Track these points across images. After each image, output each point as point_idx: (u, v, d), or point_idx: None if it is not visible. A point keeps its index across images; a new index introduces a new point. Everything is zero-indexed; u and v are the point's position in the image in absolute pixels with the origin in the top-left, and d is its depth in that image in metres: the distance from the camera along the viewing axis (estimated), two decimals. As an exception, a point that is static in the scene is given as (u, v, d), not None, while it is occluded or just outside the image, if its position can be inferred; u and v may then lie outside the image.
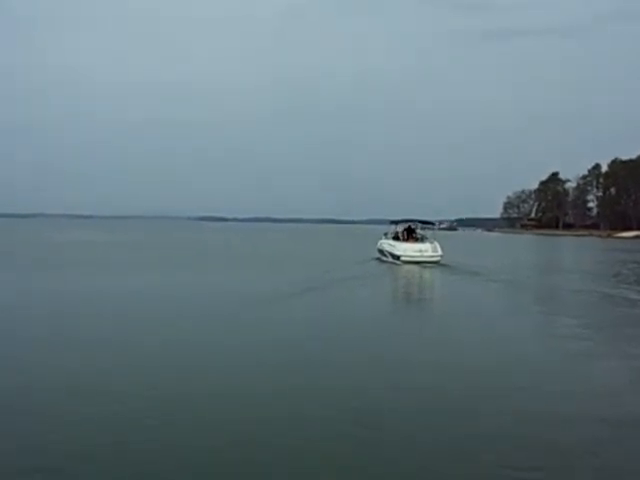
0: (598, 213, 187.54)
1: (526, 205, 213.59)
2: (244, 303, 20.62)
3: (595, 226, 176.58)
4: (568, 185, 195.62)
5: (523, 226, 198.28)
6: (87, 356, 12.71)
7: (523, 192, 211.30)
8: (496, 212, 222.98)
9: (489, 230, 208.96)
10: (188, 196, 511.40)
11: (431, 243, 40.84)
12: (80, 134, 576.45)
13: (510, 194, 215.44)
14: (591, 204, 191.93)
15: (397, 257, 40.27)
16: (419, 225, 46.06)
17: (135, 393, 10.20)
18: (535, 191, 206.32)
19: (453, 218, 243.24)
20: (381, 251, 44.21)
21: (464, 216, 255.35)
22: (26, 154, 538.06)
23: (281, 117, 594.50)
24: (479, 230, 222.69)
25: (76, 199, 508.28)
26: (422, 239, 42.56)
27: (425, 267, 37.86)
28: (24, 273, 30.83)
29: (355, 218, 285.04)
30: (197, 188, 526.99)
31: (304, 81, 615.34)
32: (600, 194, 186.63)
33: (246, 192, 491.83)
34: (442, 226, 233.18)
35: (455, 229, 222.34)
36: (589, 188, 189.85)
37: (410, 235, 43.41)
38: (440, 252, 39.83)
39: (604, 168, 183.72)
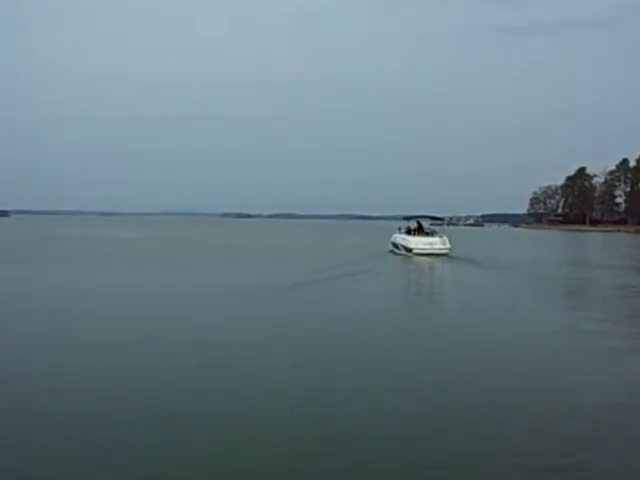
0: (626, 209, 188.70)
1: (552, 201, 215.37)
2: (274, 290, 23.68)
3: (623, 222, 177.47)
4: (595, 180, 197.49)
5: (549, 222, 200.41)
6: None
7: (549, 188, 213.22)
8: (522, 208, 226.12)
9: (515, 226, 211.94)
10: (211, 192, 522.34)
11: (440, 237, 46.25)
12: (101, 133, 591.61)
13: (536, 190, 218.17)
14: (619, 199, 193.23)
15: (409, 250, 45.69)
16: (430, 221, 51.34)
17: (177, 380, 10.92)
18: (562, 186, 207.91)
19: (479, 214, 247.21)
20: (395, 244, 49.67)
21: (490, 212, 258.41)
22: (43, 153, 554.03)
23: (303, 115, 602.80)
24: (505, 226, 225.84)
25: (96, 197, 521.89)
26: (432, 233, 47.87)
27: (435, 259, 43.11)
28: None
29: (377, 214, 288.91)
30: (220, 184, 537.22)
31: (320, 81, 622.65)
32: (628, 189, 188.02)
33: (269, 189, 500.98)
34: (468, 222, 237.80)
35: (481, 225, 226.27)
36: (617, 183, 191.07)
37: (421, 230, 48.86)
38: (448, 245, 45.19)
39: (632, 163, 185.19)
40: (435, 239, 46.16)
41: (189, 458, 7.55)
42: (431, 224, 50.62)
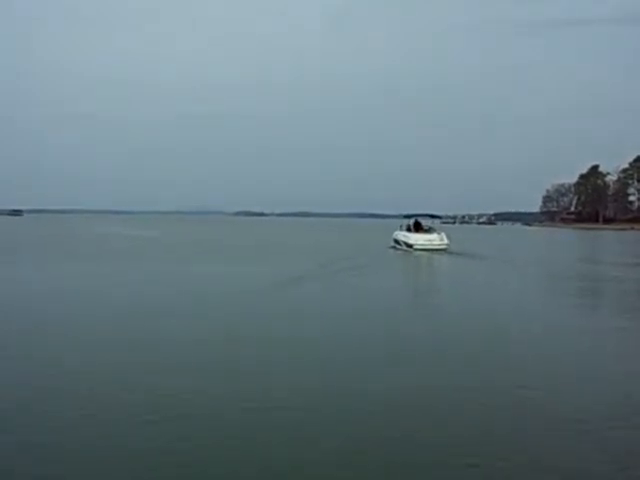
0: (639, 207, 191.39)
1: (565, 199, 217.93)
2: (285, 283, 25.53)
3: (636, 220, 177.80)
4: (609, 178, 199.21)
5: (562, 220, 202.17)
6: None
7: (562, 186, 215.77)
8: (535, 206, 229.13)
9: (528, 224, 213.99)
10: (224, 191, 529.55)
11: (438, 234, 50.61)
12: (107, 132, 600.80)
13: (549, 188, 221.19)
14: (632, 197, 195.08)
15: (410, 246, 49.89)
16: (429, 218, 56.04)
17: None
18: (575, 185, 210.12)
19: (492, 212, 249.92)
20: (396, 241, 53.89)
21: (503, 210, 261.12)
22: (50, 153, 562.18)
23: (313, 115, 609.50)
24: (518, 224, 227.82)
25: (105, 195, 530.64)
26: (430, 230, 52.20)
27: (435, 253, 47.23)
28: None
29: (387, 212, 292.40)
30: (228, 183, 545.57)
31: (320, 81, 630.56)
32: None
33: (275, 187, 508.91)
34: (481, 220, 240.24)
35: (494, 223, 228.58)
36: (630, 181, 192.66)
37: (419, 227, 53.41)
38: (446, 241, 49.58)
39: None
40: (434, 235, 50.49)
41: (194, 458, 7.51)
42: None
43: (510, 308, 20.75)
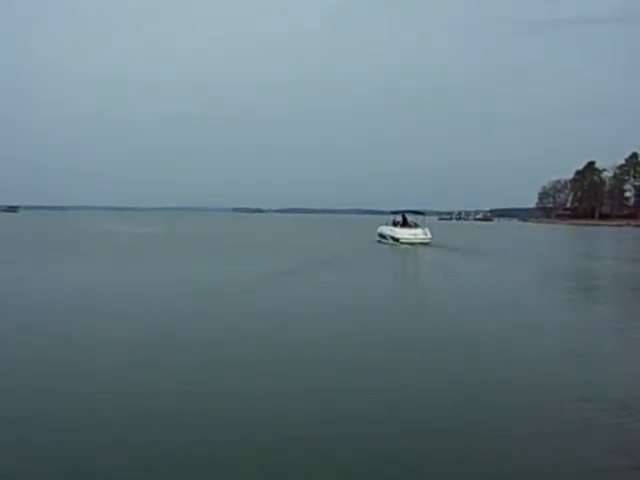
0: (635, 203, 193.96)
1: (562, 195, 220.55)
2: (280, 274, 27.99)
3: (632, 216, 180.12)
4: (605, 174, 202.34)
5: (558, 216, 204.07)
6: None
7: (559, 182, 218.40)
8: (532, 202, 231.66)
9: (524, 220, 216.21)
10: (224, 190, 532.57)
11: (422, 229, 54.29)
12: (104, 132, 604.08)
13: (545, 184, 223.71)
14: (628, 194, 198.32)
15: (397, 239, 53.70)
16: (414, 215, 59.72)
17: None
18: (571, 181, 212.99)
19: (488, 209, 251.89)
20: (382, 235, 58.05)
21: (499, 206, 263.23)
22: (46, 151, 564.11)
23: (313, 115, 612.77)
24: (514, 220, 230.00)
25: (104, 193, 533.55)
26: (414, 225, 55.65)
27: (420, 246, 51.18)
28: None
29: (385, 209, 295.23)
30: (233, 183, 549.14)
31: (320, 81, 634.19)
32: (637, 183, 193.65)
33: (282, 187, 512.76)
34: (477, 217, 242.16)
35: (490, 219, 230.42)
36: (626, 177, 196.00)
37: (405, 222, 57.46)
38: (429, 236, 53.70)
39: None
40: (418, 230, 54.37)
41: (194, 457, 7.61)
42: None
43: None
